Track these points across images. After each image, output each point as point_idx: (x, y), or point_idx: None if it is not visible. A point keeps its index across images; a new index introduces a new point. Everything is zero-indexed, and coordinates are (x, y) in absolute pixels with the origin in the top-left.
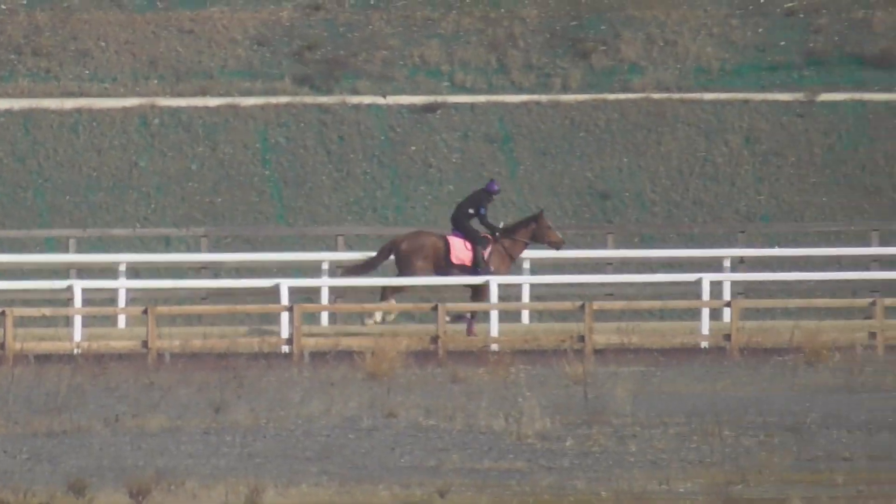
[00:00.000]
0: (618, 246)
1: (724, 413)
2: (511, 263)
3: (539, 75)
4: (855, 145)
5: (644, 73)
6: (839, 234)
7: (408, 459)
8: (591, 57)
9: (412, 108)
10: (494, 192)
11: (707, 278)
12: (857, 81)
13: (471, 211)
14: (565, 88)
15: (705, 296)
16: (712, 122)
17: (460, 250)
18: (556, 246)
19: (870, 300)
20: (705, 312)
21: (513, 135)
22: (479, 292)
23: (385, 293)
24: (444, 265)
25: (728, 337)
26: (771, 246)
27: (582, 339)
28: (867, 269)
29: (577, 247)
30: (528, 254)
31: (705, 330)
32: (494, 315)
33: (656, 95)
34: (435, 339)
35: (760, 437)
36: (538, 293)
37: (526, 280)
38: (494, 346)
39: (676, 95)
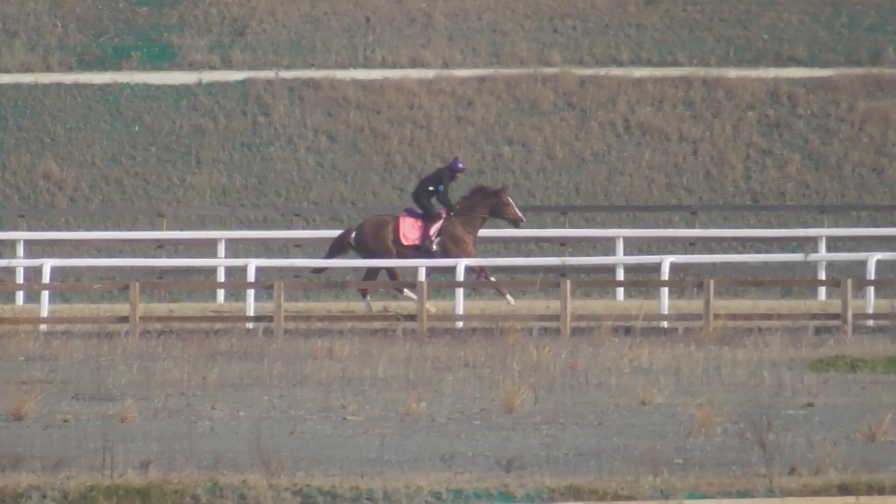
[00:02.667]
0: None
1: None
2: (472, 238)
3: None
4: None
5: None
6: None
7: None
8: None
9: None
10: (458, 170)
11: None
12: None
13: (430, 188)
14: None
15: None
16: None
17: (409, 230)
18: (516, 223)
19: None
20: None
21: None
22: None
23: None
24: (397, 245)
25: None
26: None
27: None
28: None
29: None
30: None
31: None
32: None
33: None
34: None
35: None
36: None
37: None
38: None
39: None
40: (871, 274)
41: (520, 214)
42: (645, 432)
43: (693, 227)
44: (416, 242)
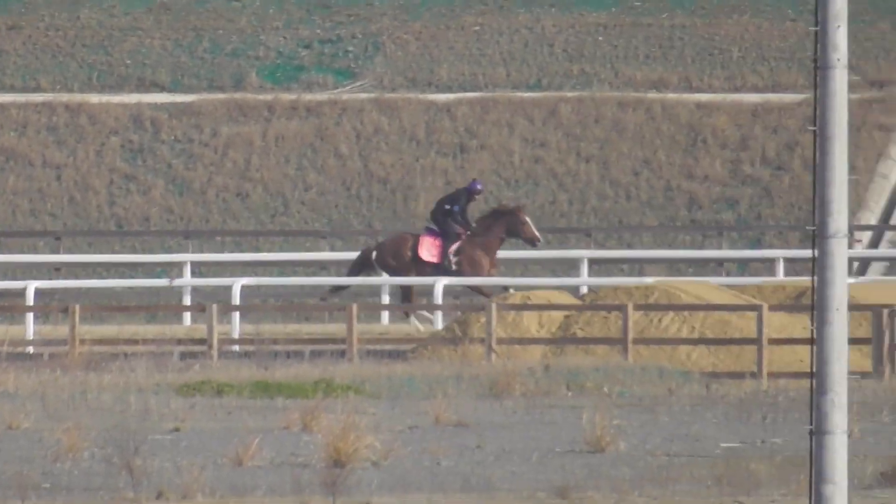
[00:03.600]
0: None
1: None
2: (489, 259)
3: None
4: None
5: None
6: None
7: None
8: None
9: None
10: (477, 191)
11: None
12: None
13: (447, 207)
14: None
15: None
16: None
17: (429, 248)
18: (533, 243)
19: None
20: None
21: None
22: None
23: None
24: (416, 263)
25: None
26: None
27: None
28: None
29: None
30: None
31: None
32: None
33: None
34: None
35: None
36: None
37: None
38: None
39: None
40: (237, 299)
41: (536, 234)
42: (12, 457)
43: (58, 252)
44: (435, 260)
